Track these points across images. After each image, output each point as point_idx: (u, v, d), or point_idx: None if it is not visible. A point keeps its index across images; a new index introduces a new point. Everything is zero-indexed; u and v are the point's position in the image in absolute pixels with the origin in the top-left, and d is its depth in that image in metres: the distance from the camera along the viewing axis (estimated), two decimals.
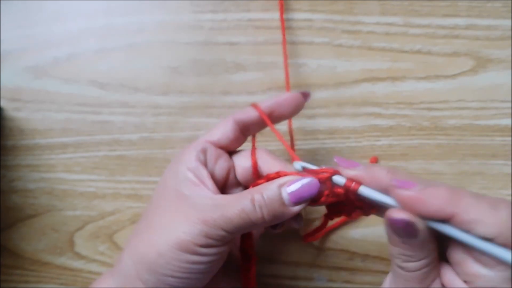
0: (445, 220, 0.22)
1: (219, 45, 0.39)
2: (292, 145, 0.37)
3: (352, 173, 0.25)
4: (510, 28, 0.38)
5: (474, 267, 0.23)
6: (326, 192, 0.26)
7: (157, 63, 0.39)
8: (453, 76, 0.38)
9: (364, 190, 0.25)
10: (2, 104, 0.39)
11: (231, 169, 0.30)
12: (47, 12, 0.39)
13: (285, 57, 0.37)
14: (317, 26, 0.38)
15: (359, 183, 0.25)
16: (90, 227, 0.38)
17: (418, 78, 0.38)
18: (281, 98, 0.30)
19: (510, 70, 0.38)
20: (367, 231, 0.37)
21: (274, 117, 0.30)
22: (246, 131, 0.30)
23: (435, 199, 0.22)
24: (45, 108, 0.39)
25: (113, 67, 0.39)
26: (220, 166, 0.30)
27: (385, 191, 0.24)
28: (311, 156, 0.38)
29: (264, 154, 0.30)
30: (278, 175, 0.27)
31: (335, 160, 0.26)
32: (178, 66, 0.39)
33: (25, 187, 0.38)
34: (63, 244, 0.38)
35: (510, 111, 0.38)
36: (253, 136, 0.31)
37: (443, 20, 0.38)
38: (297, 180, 0.26)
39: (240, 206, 0.26)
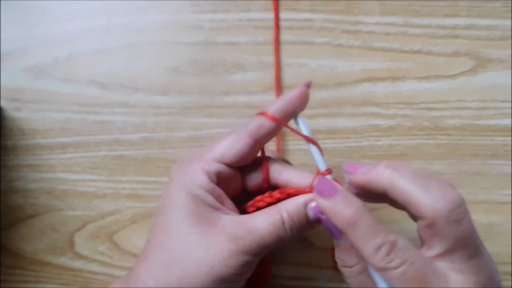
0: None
1: (219, 45, 0.39)
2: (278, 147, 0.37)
3: (353, 178, 0.27)
4: (510, 28, 0.38)
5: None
6: None
7: (157, 63, 0.39)
8: (453, 76, 0.38)
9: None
10: (2, 104, 0.39)
11: (240, 182, 0.30)
12: (47, 12, 0.39)
13: (276, 57, 0.38)
14: (317, 26, 0.38)
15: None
16: (90, 227, 0.38)
17: (418, 78, 0.38)
18: (292, 97, 0.28)
19: (510, 70, 0.38)
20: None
21: (287, 118, 0.29)
22: (261, 143, 0.29)
23: (338, 217, 0.24)
24: (45, 108, 0.39)
25: (113, 67, 0.39)
26: (232, 184, 0.29)
27: (390, 189, 0.25)
28: (311, 156, 0.38)
29: (274, 163, 0.29)
30: (297, 191, 0.28)
31: (344, 167, 0.28)
32: (178, 66, 0.39)
33: (25, 187, 0.38)
34: (63, 244, 0.38)
35: (510, 111, 0.38)
36: (263, 147, 0.30)
37: (443, 20, 0.38)
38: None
39: (273, 228, 0.26)
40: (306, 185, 0.28)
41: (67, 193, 0.38)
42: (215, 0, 0.39)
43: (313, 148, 0.28)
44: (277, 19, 0.38)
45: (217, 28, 0.39)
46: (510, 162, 0.37)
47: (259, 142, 0.28)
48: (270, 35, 0.38)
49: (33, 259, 0.38)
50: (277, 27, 0.38)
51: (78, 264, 0.38)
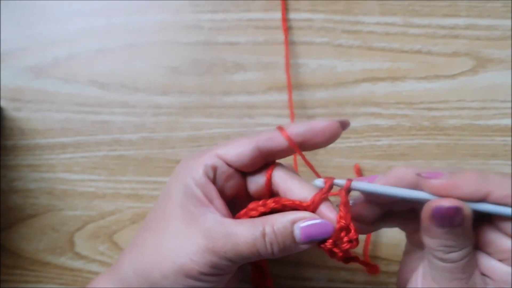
0: (480, 201, 0.23)
1: (219, 45, 0.39)
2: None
3: (380, 182, 0.25)
4: (510, 28, 0.38)
5: (507, 242, 0.24)
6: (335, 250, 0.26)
7: (157, 63, 0.39)
8: (453, 76, 0.38)
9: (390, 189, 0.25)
10: (2, 104, 0.39)
11: (242, 185, 0.29)
12: (47, 12, 0.39)
13: (287, 58, 0.37)
14: (317, 26, 0.38)
15: (350, 180, 0.25)
16: (90, 227, 0.38)
17: (418, 78, 0.38)
18: (317, 126, 0.26)
19: (510, 70, 0.38)
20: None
21: (305, 146, 0.27)
22: (269, 157, 0.27)
23: (467, 183, 0.23)
24: (45, 108, 0.39)
25: (113, 67, 0.39)
26: (230, 184, 0.28)
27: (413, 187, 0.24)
28: (311, 156, 0.38)
29: (283, 172, 0.28)
30: (293, 203, 0.26)
31: (422, 175, 0.25)
32: (178, 66, 0.39)
33: (25, 187, 0.38)
34: (63, 244, 0.38)
35: (510, 111, 0.38)
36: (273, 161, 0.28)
37: (443, 20, 0.38)
38: (311, 219, 0.25)
39: (251, 239, 0.25)
40: (304, 198, 0.26)
41: (67, 193, 0.38)
42: (215, 0, 0.39)
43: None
44: (285, 19, 0.38)
45: (217, 28, 0.39)
46: (510, 162, 0.37)
47: (265, 153, 0.27)
48: (270, 35, 0.38)
49: (33, 259, 0.38)
50: (287, 27, 0.38)
51: (78, 264, 0.38)
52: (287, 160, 0.30)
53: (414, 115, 0.38)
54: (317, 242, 0.25)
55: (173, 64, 0.39)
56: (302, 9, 0.39)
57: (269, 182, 0.27)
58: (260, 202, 0.27)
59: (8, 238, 0.38)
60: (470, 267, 0.24)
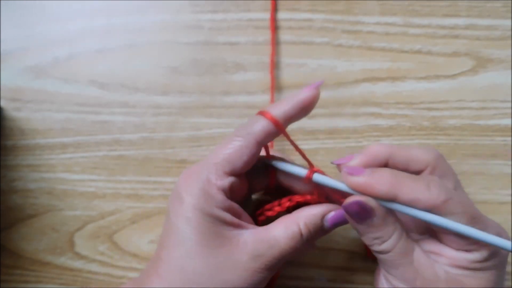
0: (390, 201, 0.25)
1: (219, 45, 0.39)
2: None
3: (354, 180, 0.26)
4: (510, 28, 0.38)
5: (449, 252, 0.26)
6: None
7: (157, 63, 0.39)
8: (453, 76, 0.38)
9: (318, 178, 0.27)
10: (2, 104, 0.39)
11: (246, 183, 0.30)
12: (47, 12, 0.39)
13: (272, 57, 0.38)
14: (317, 26, 0.38)
15: (317, 171, 0.28)
16: (90, 227, 0.38)
17: (418, 78, 0.38)
18: (299, 99, 0.27)
19: (510, 70, 0.38)
20: None
21: (291, 121, 0.28)
22: (264, 145, 0.28)
23: (378, 185, 0.25)
24: (45, 108, 0.39)
25: (113, 67, 0.39)
26: (242, 191, 0.29)
27: (392, 197, 0.26)
28: (311, 156, 0.38)
29: (278, 161, 0.29)
30: (304, 199, 0.28)
31: (344, 169, 0.27)
32: (178, 66, 0.39)
33: (25, 187, 0.38)
34: (63, 244, 0.38)
35: (510, 111, 0.38)
36: (267, 146, 0.30)
37: (443, 20, 0.38)
38: (337, 210, 0.28)
39: (292, 241, 0.27)
40: (307, 189, 0.28)
41: (67, 193, 0.38)
42: (215, 0, 0.39)
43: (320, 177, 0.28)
44: (273, 19, 0.38)
45: (217, 28, 0.39)
46: (510, 162, 0.37)
47: (264, 145, 0.28)
48: (270, 35, 0.38)
49: (33, 259, 0.38)
50: (274, 27, 0.38)
51: (78, 264, 0.38)
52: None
53: (414, 115, 0.38)
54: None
55: (173, 64, 0.39)
56: (302, 9, 0.39)
57: (274, 178, 0.30)
58: (275, 203, 0.29)
59: (8, 238, 0.38)
60: (408, 251, 0.26)
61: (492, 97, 0.38)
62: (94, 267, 0.38)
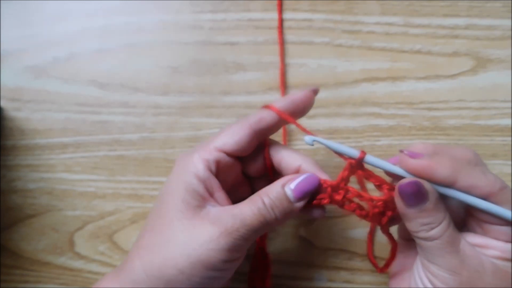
0: (448, 186, 0.25)
1: (219, 45, 0.39)
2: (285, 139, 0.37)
3: (415, 162, 0.27)
4: (510, 28, 0.38)
5: (496, 244, 0.26)
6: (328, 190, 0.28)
7: (157, 63, 0.39)
8: (453, 76, 0.38)
9: (370, 159, 0.27)
10: (2, 104, 0.39)
11: (240, 170, 0.30)
12: (47, 12, 0.39)
13: (282, 57, 0.38)
14: (317, 26, 0.38)
15: (364, 153, 0.27)
16: (90, 227, 0.38)
17: (418, 78, 0.38)
18: (298, 98, 0.29)
19: (510, 70, 0.38)
20: (367, 231, 0.37)
21: (292, 115, 0.29)
22: (262, 136, 0.29)
23: (440, 168, 0.25)
24: (45, 108, 0.39)
25: (113, 67, 0.39)
26: (232, 173, 0.29)
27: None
28: (311, 156, 0.38)
29: (274, 144, 0.30)
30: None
31: (404, 152, 0.27)
32: (178, 66, 0.39)
33: (25, 187, 0.38)
34: (63, 244, 0.38)
35: (510, 111, 0.38)
36: (266, 140, 0.30)
37: (443, 20, 0.38)
38: (297, 177, 0.28)
39: (256, 210, 0.26)
40: (296, 167, 0.29)
41: (67, 193, 0.38)
42: (215, 0, 0.39)
43: (332, 143, 0.28)
44: (281, 19, 0.38)
45: (217, 28, 0.39)
46: (510, 162, 0.37)
47: (259, 133, 0.29)
48: (270, 35, 0.38)
49: (33, 259, 0.38)
50: (281, 27, 0.38)
51: (78, 264, 0.38)
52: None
53: (414, 115, 0.38)
54: (310, 194, 0.28)
55: (173, 64, 0.39)
56: (302, 9, 0.39)
57: (268, 159, 0.30)
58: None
59: (8, 238, 0.38)
60: (455, 240, 0.26)
61: (492, 97, 0.38)
62: (94, 267, 0.38)
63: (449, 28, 0.38)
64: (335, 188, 0.28)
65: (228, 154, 0.28)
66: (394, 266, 0.31)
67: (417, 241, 0.27)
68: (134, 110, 0.38)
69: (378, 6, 0.38)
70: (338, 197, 0.28)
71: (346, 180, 0.28)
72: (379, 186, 0.28)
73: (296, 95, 0.29)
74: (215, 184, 0.28)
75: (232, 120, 0.38)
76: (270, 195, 0.27)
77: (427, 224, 0.26)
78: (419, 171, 0.26)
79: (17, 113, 0.39)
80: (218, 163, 0.28)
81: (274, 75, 0.38)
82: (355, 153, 0.27)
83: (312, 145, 0.28)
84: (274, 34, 0.38)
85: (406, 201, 0.25)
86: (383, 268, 0.32)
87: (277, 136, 0.38)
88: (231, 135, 0.28)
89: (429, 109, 0.38)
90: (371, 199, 0.28)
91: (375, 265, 0.35)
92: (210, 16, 0.39)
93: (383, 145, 0.38)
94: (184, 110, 0.38)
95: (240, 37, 0.38)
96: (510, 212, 0.25)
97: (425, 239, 0.26)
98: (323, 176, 0.28)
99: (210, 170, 0.28)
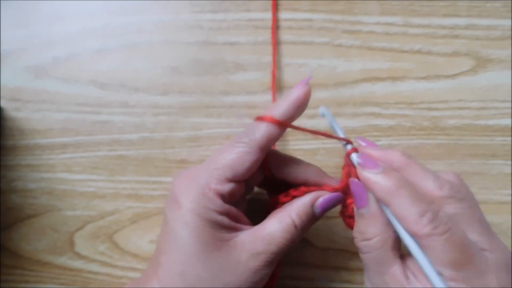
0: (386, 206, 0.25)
1: (219, 45, 0.39)
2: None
3: (368, 151, 0.28)
4: (510, 28, 0.38)
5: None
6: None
7: (157, 63, 0.39)
8: (453, 76, 0.38)
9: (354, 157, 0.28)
10: (2, 104, 0.39)
11: (245, 188, 0.30)
12: (47, 12, 0.39)
13: (274, 57, 0.38)
14: (317, 26, 0.38)
15: (354, 150, 0.28)
16: (90, 227, 0.38)
17: (418, 78, 0.38)
18: (295, 98, 0.28)
19: (510, 70, 0.38)
20: None
21: (290, 120, 0.28)
22: (267, 150, 0.29)
23: (378, 186, 0.25)
24: (45, 108, 0.39)
25: (113, 67, 0.39)
26: (240, 195, 0.29)
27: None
28: (311, 156, 0.38)
29: (283, 159, 0.30)
30: (301, 191, 0.29)
31: (357, 139, 0.29)
32: (178, 66, 0.39)
33: (25, 187, 0.38)
34: (63, 244, 0.38)
35: (510, 111, 0.38)
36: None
37: (443, 20, 0.38)
38: (325, 196, 0.29)
39: (288, 234, 0.27)
40: (303, 178, 0.29)
41: (67, 193, 0.38)
42: (215, 0, 0.39)
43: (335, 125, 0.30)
44: (274, 19, 0.38)
45: (217, 28, 0.39)
46: (510, 162, 0.37)
47: (265, 150, 0.28)
48: (270, 35, 0.38)
49: (33, 259, 0.38)
50: (275, 27, 0.38)
51: (78, 264, 0.38)
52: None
53: (414, 115, 0.38)
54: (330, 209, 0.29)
55: (173, 64, 0.39)
56: (302, 9, 0.39)
57: (268, 171, 0.30)
58: (286, 196, 0.29)
59: (8, 238, 0.38)
60: (386, 260, 0.25)
61: (492, 97, 0.38)
62: (94, 267, 0.38)
63: (449, 28, 0.38)
64: (345, 190, 0.29)
65: (238, 182, 0.28)
66: None
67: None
68: (134, 110, 0.38)
69: (378, 6, 0.38)
70: (350, 200, 0.29)
71: (349, 176, 0.29)
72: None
73: (292, 96, 0.28)
74: (235, 212, 0.28)
75: (232, 120, 0.38)
76: (302, 215, 0.28)
77: (361, 233, 0.26)
78: (362, 181, 0.26)
79: (17, 113, 0.39)
80: (232, 195, 0.27)
81: (271, 76, 0.38)
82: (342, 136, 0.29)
83: (324, 116, 0.30)
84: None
85: (353, 194, 0.27)
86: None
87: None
88: (242, 162, 0.27)
89: (429, 109, 0.38)
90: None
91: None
92: (210, 16, 0.39)
93: (383, 145, 0.38)
94: (184, 110, 0.38)
95: (240, 37, 0.38)
96: (426, 262, 0.23)
97: (358, 248, 0.27)
98: (333, 183, 0.30)
99: (225, 202, 0.27)
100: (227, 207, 0.27)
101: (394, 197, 0.24)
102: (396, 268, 0.25)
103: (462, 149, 0.38)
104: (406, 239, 0.24)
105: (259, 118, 0.28)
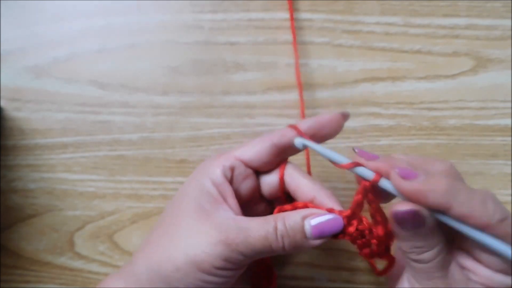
0: (442, 212, 0.23)
1: (219, 45, 0.39)
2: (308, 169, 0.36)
3: (373, 164, 0.25)
4: (510, 28, 0.38)
5: (484, 272, 0.25)
6: (351, 229, 0.26)
7: (157, 63, 0.39)
8: (453, 76, 0.38)
9: (384, 183, 0.25)
10: (2, 104, 0.39)
11: (256, 187, 0.30)
12: (47, 12, 0.39)
13: (297, 57, 0.37)
14: (317, 26, 0.38)
15: (380, 175, 0.25)
16: (90, 227, 0.38)
17: (418, 78, 0.38)
18: (323, 119, 0.28)
19: (510, 70, 0.38)
20: None
21: (315, 139, 0.28)
22: (283, 154, 0.29)
23: (433, 193, 0.23)
24: (45, 108, 0.39)
25: (113, 67, 0.39)
26: (246, 185, 0.29)
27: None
28: (311, 156, 0.38)
29: (292, 170, 0.29)
30: (306, 206, 0.27)
31: (355, 151, 0.27)
32: (178, 66, 0.39)
33: (25, 187, 0.38)
34: (63, 244, 0.38)
35: (510, 111, 0.38)
36: (285, 160, 0.30)
37: (443, 20, 0.38)
38: (322, 215, 0.26)
39: (263, 232, 0.25)
40: (311, 197, 0.27)
41: (67, 193, 0.38)
42: (215, 0, 0.39)
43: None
44: (292, 18, 0.38)
45: (217, 28, 0.39)
46: (510, 162, 0.37)
47: (279, 149, 0.28)
48: (270, 35, 0.38)
49: (33, 259, 0.38)
50: (294, 26, 0.38)
51: (78, 264, 0.38)
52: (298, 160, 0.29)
53: (414, 115, 0.38)
54: (329, 237, 0.26)
55: (173, 64, 0.39)
56: (302, 9, 0.39)
57: (282, 181, 0.29)
58: (290, 206, 0.27)
59: (8, 238, 0.38)
60: (445, 264, 0.25)
61: (492, 97, 0.38)
62: (94, 267, 0.38)
63: (449, 28, 0.38)
64: (350, 218, 0.26)
65: (246, 163, 0.28)
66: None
67: (407, 260, 0.26)
68: (134, 110, 0.38)
69: (378, 6, 0.38)
70: (352, 229, 0.26)
71: (361, 206, 0.25)
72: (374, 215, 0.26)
73: (323, 118, 0.28)
74: (228, 190, 0.28)
75: (232, 120, 0.38)
76: (286, 223, 0.26)
77: (419, 248, 0.25)
78: (412, 196, 0.23)
79: (17, 113, 0.39)
80: (232, 170, 0.28)
81: (274, 75, 0.38)
82: (344, 160, 0.26)
83: (302, 149, 0.28)
84: (274, 34, 0.38)
85: (401, 226, 0.24)
86: (382, 272, 0.31)
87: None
88: (252, 146, 0.28)
89: (429, 109, 0.38)
90: (377, 236, 0.26)
91: (373, 267, 0.35)
92: (210, 16, 0.39)
93: (383, 145, 0.38)
94: (184, 110, 0.38)
95: (240, 37, 0.38)
96: (509, 248, 0.23)
97: (416, 261, 0.25)
98: (338, 208, 0.27)
99: (225, 176, 0.28)
100: (221, 179, 0.27)
101: (453, 198, 0.23)
102: (454, 266, 0.25)
103: (462, 149, 0.38)
104: (476, 235, 0.23)
105: (289, 126, 0.29)
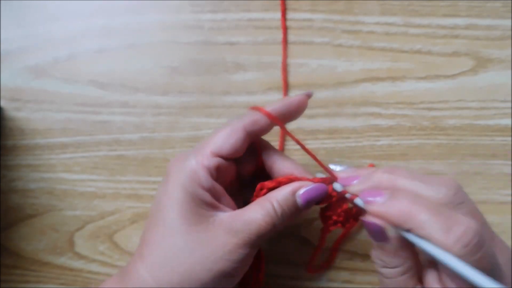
0: (406, 230, 0.24)
1: (219, 45, 0.39)
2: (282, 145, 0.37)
3: (354, 189, 0.27)
4: (510, 28, 0.38)
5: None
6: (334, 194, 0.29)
7: (157, 63, 0.39)
8: (453, 76, 0.38)
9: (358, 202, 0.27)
10: (2, 104, 0.39)
11: (235, 171, 0.30)
12: (47, 12, 0.39)
13: (284, 57, 0.38)
14: (317, 26, 0.38)
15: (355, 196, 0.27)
16: (90, 227, 0.38)
17: (418, 78, 0.38)
18: (289, 101, 0.29)
19: (510, 70, 0.38)
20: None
21: (282, 120, 0.29)
22: (254, 137, 0.29)
23: (395, 214, 0.24)
24: (45, 108, 0.39)
25: (113, 67, 0.39)
26: (228, 176, 0.29)
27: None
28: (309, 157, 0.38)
29: (271, 153, 0.30)
30: (289, 179, 0.29)
31: (338, 177, 0.29)
32: (178, 66, 0.39)
33: (25, 187, 0.38)
34: (63, 244, 0.38)
35: (510, 111, 0.38)
36: (258, 141, 0.31)
37: (443, 20, 0.38)
38: (308, 186, 0.28)
39: (268, 217, 0.27)
40: (287, 173, 0.29)
41: (67, 193, 0.38)
42: (215, 0, 0.39)
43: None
44: (284, 19, 0.38)
45: (217, 28, 0.39)
46: (510, 162, 0.37)
47: (252, 135, 0.29)
48: (270, 35, 0.38)
49: (33, 259, 0.38)
50: (285, 27, 0.38)
51: (78, 264, 0.38)
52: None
53: (414, 115, 0.38)
54: (316, 202, 0.29)
55: (173, 64, 0.39)
56: (302, 9, 0.39)
57: (261, 161, 0.31)
58: (274, 182, 0.29)
59: (8, 238, 0.38)
60: (407, 285, 0.25)
61: (492, 97, 0.38)
62: (94, 267, 0.38)
63: (449, 28, 0.38)
64: (328, 181, 0.29)
65: (225, 158, 0.28)
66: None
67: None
68: (134, 110, 0.38)
69: (378, 6, 0.38)
70: (334, 193, 0.29)
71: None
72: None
73: (289, 99, 0.29)
74: (219, 189, 0.28)
75: None
76: (280, 202, 0.27)
77: (382, 261, 0.26)
78: (376, 216, 0.25)
79: (17, 113, 0.39)
80: (218, 169, 0.28)
81: (274, 75, 0.38)
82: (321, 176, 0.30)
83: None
84: (274, 34, 0.38)
85: (370, 234, 0.26)
86: (310, 269, 0.35)
87: (273, 135, 0.38)
88: (227, 139, 0.28)
89: (429, 109, 0.38)
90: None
91: (309, 265, 0.37)
92: (210, 16, 0.39)
93: (383, 145, 0.38)
94: (184, 110, 0.38)
95: (240, 37, 0.39)
96: (471, 270, 0.22)
97: (378, 271, 0.26)
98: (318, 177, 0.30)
99: (212, 177, 0.28)
100: (211, 183, 0.27)
101: (414, 219, 0.23)
102: None
103: (462, 149, 0.38)
104: (439, 255, 0.23)
105: (252, 108, 0.29)
